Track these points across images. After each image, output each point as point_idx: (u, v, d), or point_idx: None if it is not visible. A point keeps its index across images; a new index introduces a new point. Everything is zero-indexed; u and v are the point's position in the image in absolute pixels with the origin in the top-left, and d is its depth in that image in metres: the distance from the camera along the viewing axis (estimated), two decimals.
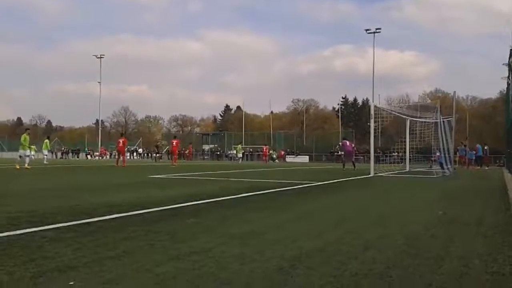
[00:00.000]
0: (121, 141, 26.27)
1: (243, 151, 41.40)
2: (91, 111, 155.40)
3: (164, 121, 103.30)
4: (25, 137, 20.43)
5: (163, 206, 6.05)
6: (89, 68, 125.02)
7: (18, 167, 19.11)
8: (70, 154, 62.06)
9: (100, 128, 70.77)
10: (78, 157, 61.09)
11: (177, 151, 30.05)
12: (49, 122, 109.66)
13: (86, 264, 2.99)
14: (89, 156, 61.75)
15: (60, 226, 4.37)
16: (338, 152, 22.36)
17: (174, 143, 29.02)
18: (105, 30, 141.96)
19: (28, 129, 23.41)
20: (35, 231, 4.10)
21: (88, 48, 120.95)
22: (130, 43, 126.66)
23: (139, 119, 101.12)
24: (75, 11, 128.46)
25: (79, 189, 9.08)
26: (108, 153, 62.27)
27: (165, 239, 3.84)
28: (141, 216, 5.21)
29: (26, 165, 19.53)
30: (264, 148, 50.03)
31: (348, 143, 23.70)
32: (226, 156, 57.91)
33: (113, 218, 4.96)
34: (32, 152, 25.91)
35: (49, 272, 2.79)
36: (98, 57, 65.59)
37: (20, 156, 20.40)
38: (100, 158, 58.96)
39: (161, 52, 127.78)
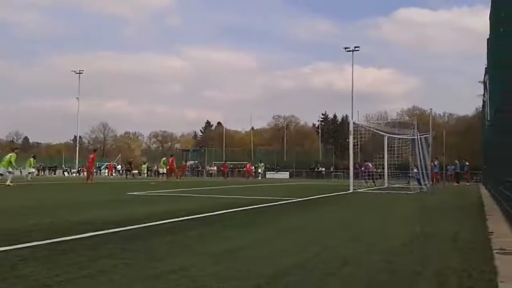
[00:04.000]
0: (90, 157, 26.36)
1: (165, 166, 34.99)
2: (69, 127, 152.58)
3: (143, 137, 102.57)
4: (13, 157, 20.15)
5: (140, 224, 5.97)
6: (67, 84, 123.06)
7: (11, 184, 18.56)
8: (47, 171, 61.00)
9: (78, 145, 69.78)
10: (54, 174, 60.08)
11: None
12: (26, 138, 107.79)
13: (60, 283, 2.92)
14: (66, 173, 60.76)
15: (35, 245, 4.28)
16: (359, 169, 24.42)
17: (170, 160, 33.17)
18: (83, 45, 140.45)
19: (17, 148, 22.82)
20: (9, 250, 4.01)
21: (66, 63, 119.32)
22: (109, 58, 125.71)
23: (118, 135, 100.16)
24: (53, 26, 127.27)
25: (56, 207, 8.91)
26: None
27: (142, 258, 3.78)
28: (117, 234, 5.13)
29: (8, 182, 18.84)
30: (248, 165, 47.53)
31: (370, 165, 25.19)
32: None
33: (88, 236, 4.87)
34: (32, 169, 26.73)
35: None
36: (77, 73, 65.02)
37: (1, 174, 19.89)
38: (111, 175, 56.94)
39: (140, 67, 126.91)
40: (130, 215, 7.24)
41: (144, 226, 5.83)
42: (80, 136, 78.63)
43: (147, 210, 8.30)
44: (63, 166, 66.79)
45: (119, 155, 74.18)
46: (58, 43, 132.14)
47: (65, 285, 2.87)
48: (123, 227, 5.63)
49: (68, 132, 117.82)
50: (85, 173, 26.27)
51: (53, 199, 11.73)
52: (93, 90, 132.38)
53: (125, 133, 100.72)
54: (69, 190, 17.12)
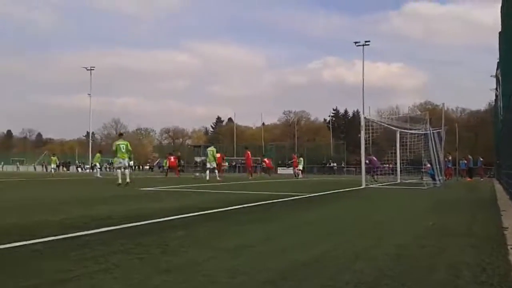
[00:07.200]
0: (172, 158, 33.51)
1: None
2: (81, 124, 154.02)
3: (155, 133, 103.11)
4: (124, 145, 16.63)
5: (154, 219, 6.01)
6: (79, 81, 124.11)
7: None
8: (61, 167, 61.65)
9: (90, 141, 70.36)
10: (68, 170, 60.70)
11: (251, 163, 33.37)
12: (39, 134, 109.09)
13: (75, 277, 2.96)
14: (79, 169, 61.36)
15: (48, 240, 4.33)
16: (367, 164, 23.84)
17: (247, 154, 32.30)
18: (95, 42, 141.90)
19: (122, 134, 19.97)
20: (23, 245, 4.05)
21: (77, 60, 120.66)
22: (120, 54, 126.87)
23: (130, 131, 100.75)
24: (66, 24, 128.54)
25: (69, 202, 9.00)
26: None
27: (156, 253, 3.82)
28: (131, 229, 5.18)
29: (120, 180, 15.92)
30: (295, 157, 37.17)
31: (375, 158, 25.03)
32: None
33: (102, 232, 4.92)
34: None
35: (36, 286, 2.76)
36: (88, 69, 65.49)
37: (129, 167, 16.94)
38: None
39: (150, 63, 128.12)
40: (143, 210, 7.29)
41: (158, 221, 5.87)
42: (92, 132, 79.31)
43: (160, 206, 8.36)
44: (77, 162, 67.47)
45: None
46: (69, 41, 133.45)
47: (81, 279, 2.91)
48: (137, 222, 5.68)
49: (81, 129, 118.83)
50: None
51: (66, 194, 11.85)
52: (104, 87, 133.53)
53: (136, 129, 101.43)
54: (82, 185, 17.28)
